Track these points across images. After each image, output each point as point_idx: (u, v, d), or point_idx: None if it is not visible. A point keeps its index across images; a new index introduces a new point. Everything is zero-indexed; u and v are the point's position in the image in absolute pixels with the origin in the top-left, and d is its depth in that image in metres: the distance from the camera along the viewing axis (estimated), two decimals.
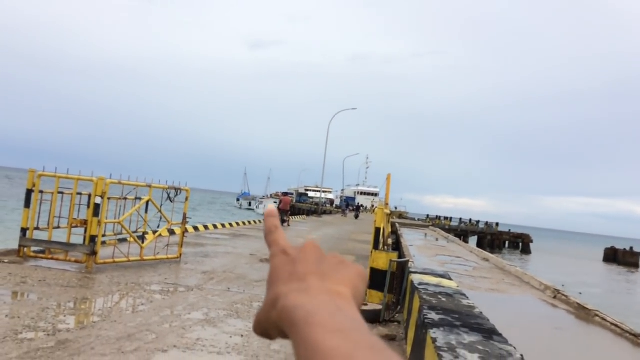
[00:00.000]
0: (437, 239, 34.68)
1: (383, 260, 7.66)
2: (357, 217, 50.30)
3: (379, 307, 6.96)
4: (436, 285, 5.82)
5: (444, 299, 4.99)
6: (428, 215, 74.56)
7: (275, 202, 26.58)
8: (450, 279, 6.63)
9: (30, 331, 4.86)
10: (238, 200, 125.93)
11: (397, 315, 7.15)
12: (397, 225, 35.04)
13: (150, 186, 9.19)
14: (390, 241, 14.75)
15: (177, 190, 9.82)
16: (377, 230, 8.03)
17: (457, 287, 6.00)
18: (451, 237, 38.85)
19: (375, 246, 7.95)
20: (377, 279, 7.69)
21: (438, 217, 73.49)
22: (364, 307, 6.85)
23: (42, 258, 8.42)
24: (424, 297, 4.95)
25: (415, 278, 6.26)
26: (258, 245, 14.56)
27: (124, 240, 10.59)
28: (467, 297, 5.27)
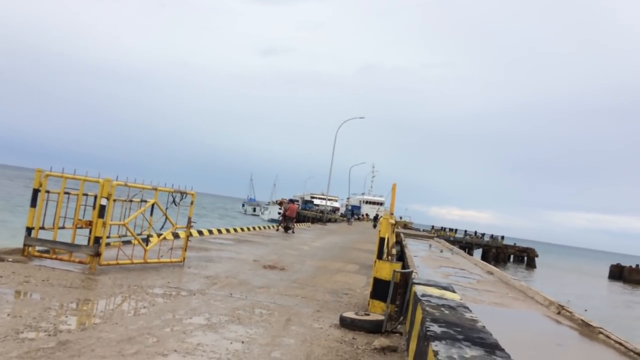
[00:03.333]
0: (441, 251, 34.48)
1: (386, 270, 7.63)
2: (374, 226, 49.32)
3: (381, 317, 6.92)
4: (439, 297, 5.77)
5: (446, 312, 4.95)
6: (433, 226, 74.30)
7: (280, 211, 26.52)
8: (453, 291, 6.58)
9: (31, 331, 4.86)
10: (243, 205, 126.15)
11: (399, 326, 7.09)
12: (402, 235, 34.92)
13: (156, 189, 9.22)
14: (394, 251, 14.69)
15: (183, 194, 9.84)
16: (382, 240, 8.00)
17: (460, 299, 5.95)
18: (456, 249, 38.65)
19: (379, 256, 7.92)
20: (380, 289, 7.65)
21: (443, 229, 73.24)
22: (366, 317, 6.81)
23: (46, 258, 8.45)
24: (427, 309, 4.90)
25: (418, 289, 6.22)
26: (261, 251, 14.55)
27: (128, 242, 10.62)
28: (470, 310, 5.23)
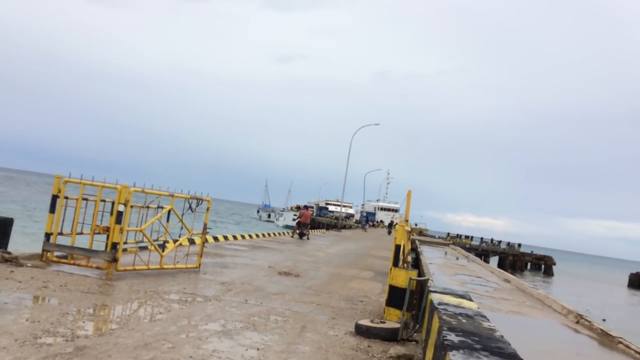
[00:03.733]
0: (457, 258, 34.20)
1: (402, 277, 7.58)
2: (389, 233, 49.65)
3: (397, 325, 6.87)
4: (456, 306, 5.71)
5: (464, 320, 4.90)
6: (449, 234, 73.75)
7: (295, 215, 26.41)
8: (470, 299, 6.51)
9: (49, 336, 4.90)
10: (258, 212, 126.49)
11: (414, 334, 7.03)
12: (417, 242, 34.72)
13: (172, 195, 9.28)
14: (409, 258, 14.61)
15: (199, 200, 9.89)
16: (397, 247, 7.96)
17: (478, 308, 5.89)
18: (472, 256, 38.29)
19: (395, 263, 7.87)
20: (396, 296, 7.60)
21: (459, 236, 72.64)
22: (382, 325, 6.77)
23: (64, 263, 8.54)
24: (444, 317, 4.85)
25: (435, 297, 6.17)
26: (276, 258, 14.55)
27: (144, 248, 10.69)
28: (488, 320, 5.16)
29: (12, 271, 7.51)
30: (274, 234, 26.20)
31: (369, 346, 6.23)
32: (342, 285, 11.06)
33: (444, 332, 4.27)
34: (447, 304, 5.81)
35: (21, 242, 14.35)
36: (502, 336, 4.45)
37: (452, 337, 4.12)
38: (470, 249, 53.97)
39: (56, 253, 8.71)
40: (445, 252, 40.56)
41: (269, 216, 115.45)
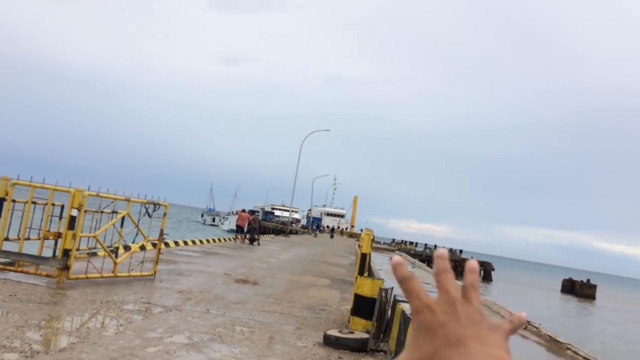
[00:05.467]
0: None
1: (368, 287, 7.55)
2: (331, 237, 50.98)
3: (366, 335, 6.82)
4: None
5: None
6: (394, 239, 74.99)
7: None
8: None
9: (6, 351, 4.53)
10: (202, 215, 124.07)
11: (381, 344, 7.01)
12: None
13: (129, 200, 8.88)
14: (374, 267, 14.63)
15: (156, 205, 9.52)
16: (363, 256, 7.93)
17: None
18: (417, 262, 39.12)
19: (361, 272, 7.83)
20: (361, 305, 7.56)
21: (404, 242, 73.98)
22: (350, 335, 6.70)
23: (10, 270, 7.98)
24: None
25: (406, 308, 6.16)
26: (231, 265, 14.25)
27: (94, 254, 10.19)
28: None
29: None
30: (224, 239, 25.73)
31: (339, 357, 6.14)
32: (301, 293, 10.93)
33: None
34: None
35: None
36: None
37: None
38: (414, 255, 54.98)
39: (1, 260, 8.14)
40: (390, 258, 41.21)
41: (214, 220, 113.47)
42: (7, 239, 8.31)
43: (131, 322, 6.31)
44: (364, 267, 7.85)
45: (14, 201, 8.27)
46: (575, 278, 67.72)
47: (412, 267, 33.24)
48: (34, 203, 8.58)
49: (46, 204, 8.64)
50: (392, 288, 8.19)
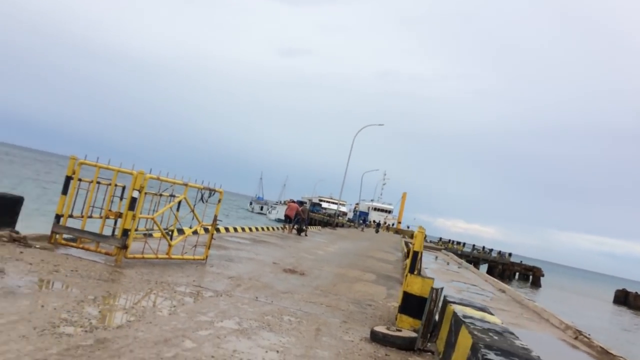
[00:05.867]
0: (447, 263, 34.31)
1: (418, 285, 7.45)
2: (377, 232, 51.11)
3: (413, 334, 6.75)
4: (481, 320, 5.60)
5: (495, 337, 4.78)
6: (441, 238, 73.94)
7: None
8: (491, 313, 6.40)
9: (67, 325, 4.72)
10: (251, 204, 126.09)
11: (428, 344, 6.92)
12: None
13: (186, 185, 9.10)
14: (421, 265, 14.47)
15: (211, 191, 9.72)
16: (415, 253, 7.83)
17: (502, 323, 5.78)
18: (464, 263, 38.41)
19: (412, 270, 7.75)
20: (410, 304, 7.48)
21: (451, 241, 72.83)
22: (398, 333, 6.64)
23: (72, 246, 8.34)
24: (476, 333, 4.73)
25: (458, 310, 6.05)
26: (279, 254, 14.41)
27: (150, 235, 10.51)
28: (517, 337, 5.05)
29: (21, 252, 7.32)
30: (273, 228, 26.06)
31: (386, 355, 6.10)
32: (347, 287, 10.93)
33: (482, 350, 4.15)
34: (472, 318, 5.69)
35: (30, 222, 14.10)
36: (539, 357, 4.34)
37: (492, 357, 4.00)
38: (462, 255, 54.07)
39: (65, 235, 8.51)
40: (436, 257, 40.65)
41: (262, 208, 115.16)
42: (71, 216, 8.69)
43: (183, 304, 6.47)
44: (414, 265, 7.76)
45: (80, 180, 8.62)
46: (628, 289, 64.96)
47: (459, 267, 32.67)
48: (98, 183, 8.91)
49: (109, 184, 8.96)
50: (442, 288, 8.06)
